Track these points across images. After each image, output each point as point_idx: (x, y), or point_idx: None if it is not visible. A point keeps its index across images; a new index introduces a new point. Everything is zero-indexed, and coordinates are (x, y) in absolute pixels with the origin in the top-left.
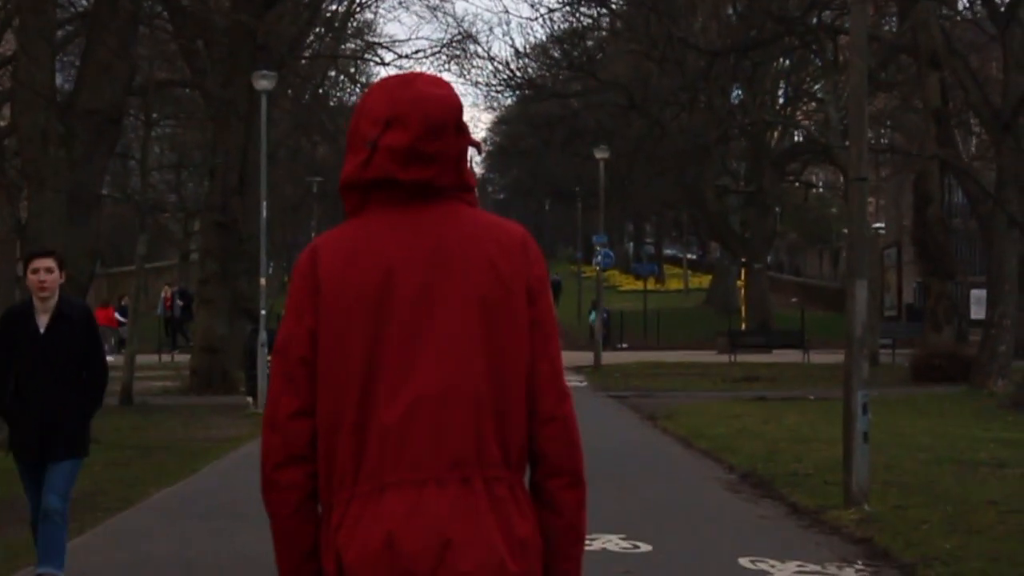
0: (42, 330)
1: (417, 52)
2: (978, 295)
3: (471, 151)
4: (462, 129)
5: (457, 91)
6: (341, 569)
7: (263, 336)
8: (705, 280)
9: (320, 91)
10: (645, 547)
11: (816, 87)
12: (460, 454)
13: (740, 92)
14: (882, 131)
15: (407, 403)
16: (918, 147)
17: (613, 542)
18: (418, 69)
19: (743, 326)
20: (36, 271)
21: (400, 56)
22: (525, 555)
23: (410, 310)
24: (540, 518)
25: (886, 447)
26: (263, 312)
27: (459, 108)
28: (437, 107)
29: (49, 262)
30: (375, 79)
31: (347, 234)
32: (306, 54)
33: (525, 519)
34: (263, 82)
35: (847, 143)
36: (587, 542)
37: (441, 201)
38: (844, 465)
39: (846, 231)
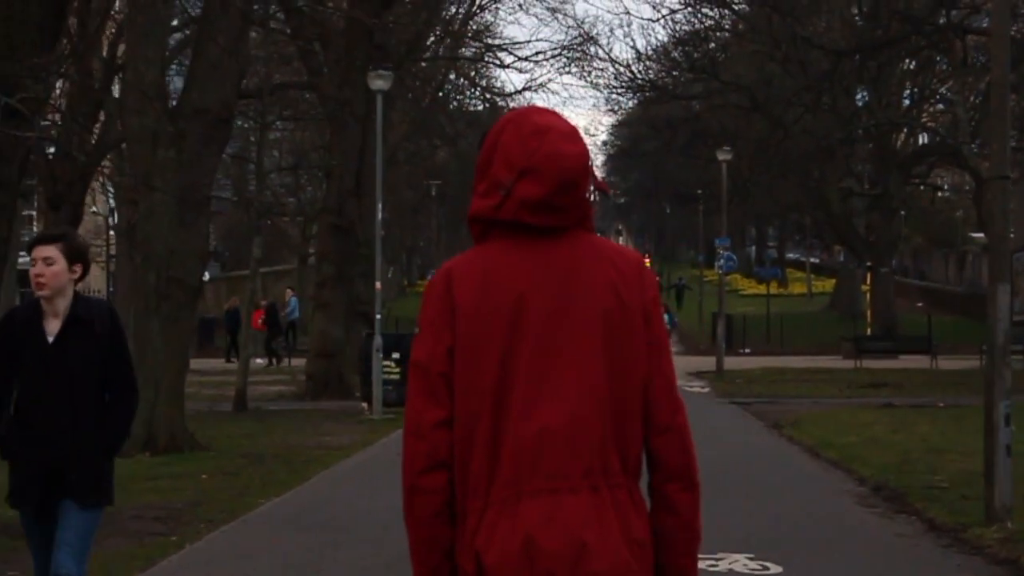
0: (51, 339)
1: (537, 55)
2: None
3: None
4: (589, 175)
5: (583, 138)
6: (482, 570)
7: (378, 340)
8: (828, 284)
9: (439, 94)
10: (775, 568)
11: (943, 88)
12: (590, 465)
13: (865, 93)
14: (1012, 133)
15: (542, 419)
16: None
17: (740, 562)
18: (538, 72)
19: (868, 331)
20: (34, 262)
21: (520, 59)
22: (643, 555)
23: (541, 331)
24: (658, 519)
25: (1022, 458)
26: (378, 316)
27: (587, 161)
28: (570, 165)
29: (50, 250)
30: (495, 83)
31: (479, 259)
32: (425, 56)
33: (642, 522)
34: (379, 82)
35: (975, 143)
36: (713, 562)
37: (567, 232)
38: (985, 479)
39: (972, 235)
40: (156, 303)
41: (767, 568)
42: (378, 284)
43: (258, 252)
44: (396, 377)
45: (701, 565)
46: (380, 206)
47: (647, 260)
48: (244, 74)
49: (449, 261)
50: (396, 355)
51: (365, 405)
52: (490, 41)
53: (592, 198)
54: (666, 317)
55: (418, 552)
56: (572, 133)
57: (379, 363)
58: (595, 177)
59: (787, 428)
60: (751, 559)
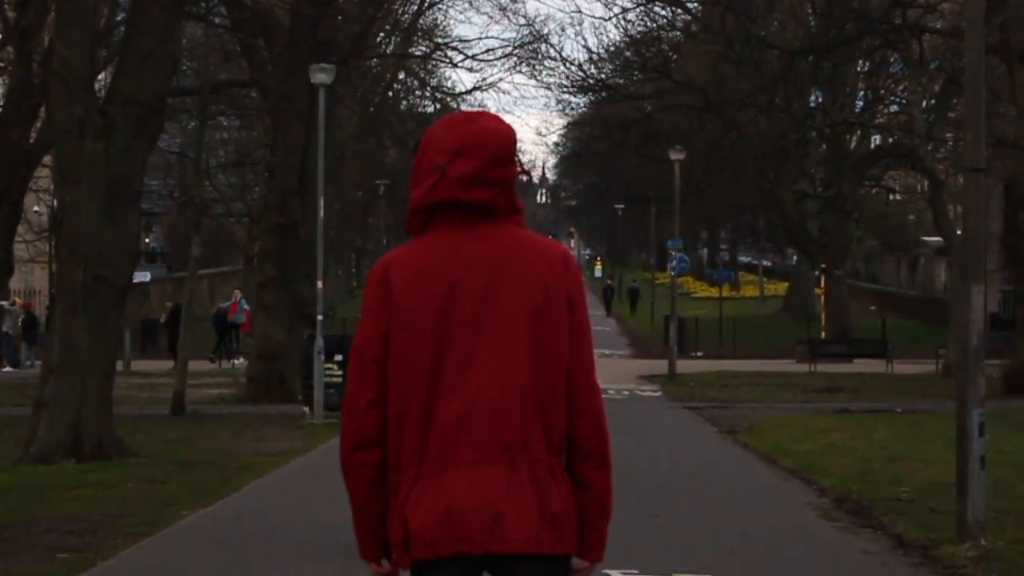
0: None
1: (487, 52)
2: None
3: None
4: (516, 159)
5: (512, 125)
6: (408, 535)
7: (320, 343)
8: (781, 287)
9: (389, 93)
10: None
11: (900, 88)
12: (510, 440)
13: (819, 95)
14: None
15: (467, 397)
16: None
17: None
18: (489, 71)
19: (822, 334)
20: None
21: (469, 57)
22: (556, 527)
23: (472, 315)
24: (576, 495)
25: (991, 468)
26: (320, 317)
27: (515, 141)
28: (500, 140)
29: None
30: (445, 82)
31: (416, 250)
32: (373, 53)
33: (561, 496)
34: (321, 75)
35: (931, 144)
36: None
37: (496, 222)
38: (957, 493)
39: (925, 238)
40: (83, 302)
41: None
42: (320, 284)
43: (197, 251)
44: (339, 380)
45: None
46: (322, 203)
47: (599, 262)
48: (177, 64)
49: (389, 252)
50: (339, 357)
51: (306, 409)
52: (440, 39)
53: (521, 178)
54: None
55: (356, 521)
56: (498, 117)
57: (320, 365)
58: (520, 161)
59: (742, 434)
60: None
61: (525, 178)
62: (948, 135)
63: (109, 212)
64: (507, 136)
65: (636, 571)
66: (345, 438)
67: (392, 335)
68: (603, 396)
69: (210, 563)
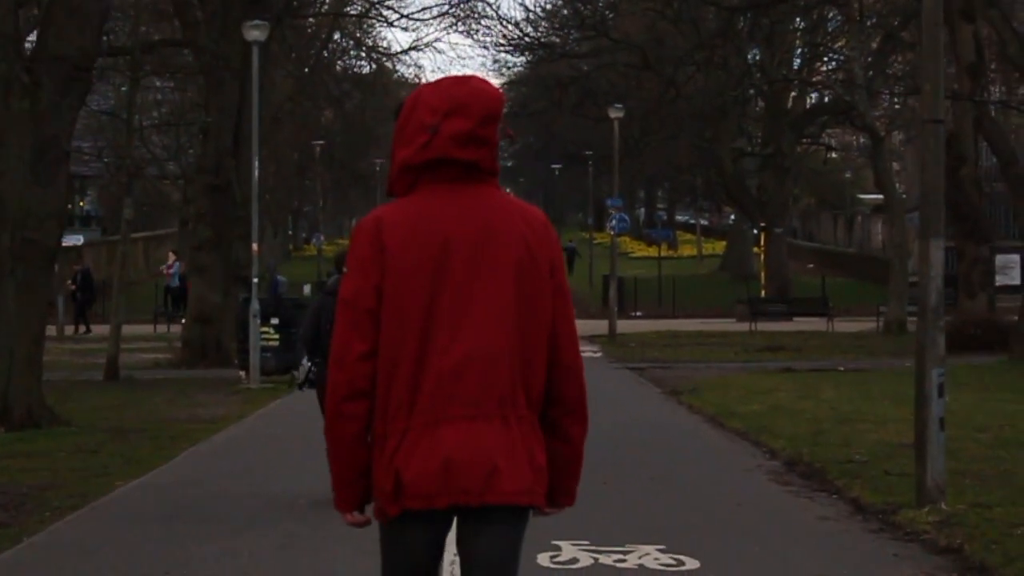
0: None
1: (423, 11)
2: (1004, 260)
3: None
4: (501, 123)
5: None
6: (400, 486)
7: (255, 306)
8: (718, 246)
9: (324, 54)
10: (691, 563)
11: (838, 45)
12: (502, 395)
13: (757, 52)
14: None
15: (461, 352)
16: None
17: (651, 556)
18: (425, 30)
19: (762, 293)
20: None
21: (404, 16)
22: (542, 479)
23: (463, 273)
24: (552, 447)
25: None
26: (255, 280)
27: (504, 102)
28: (493, 99)
29: None
30: (381, 42)
31: (408, 208)
32: (307, 12)
33: (541, 450)
34: (255, 32)
35: (870, 101)
36: (621, 556)
37: (481, 184)
38: (916, 456)
39: (861, 196)
40: (10, 266)
41: (682, 562)
42: (255, 246)
43: (129, 213)
44: (275, 344)
45: (607, 560)
46: (257, 163)
47: None
48: (106, 20)
49: (377, 209)
50: (275, 320)
51: (243, 374)
52: None
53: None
54: None
55: (336, 472)
56: (487, 80)
57: (256, 329)
58: (504, 123)
59: (686, 395)
60: (663, 551)
61: (510, 140)
62: (885, 92)
63: (37, 173)
64: (497, 97)
65: (587, 542)
66: (334, 388)
67: (385, 291)
68: None
69: (142, 537)
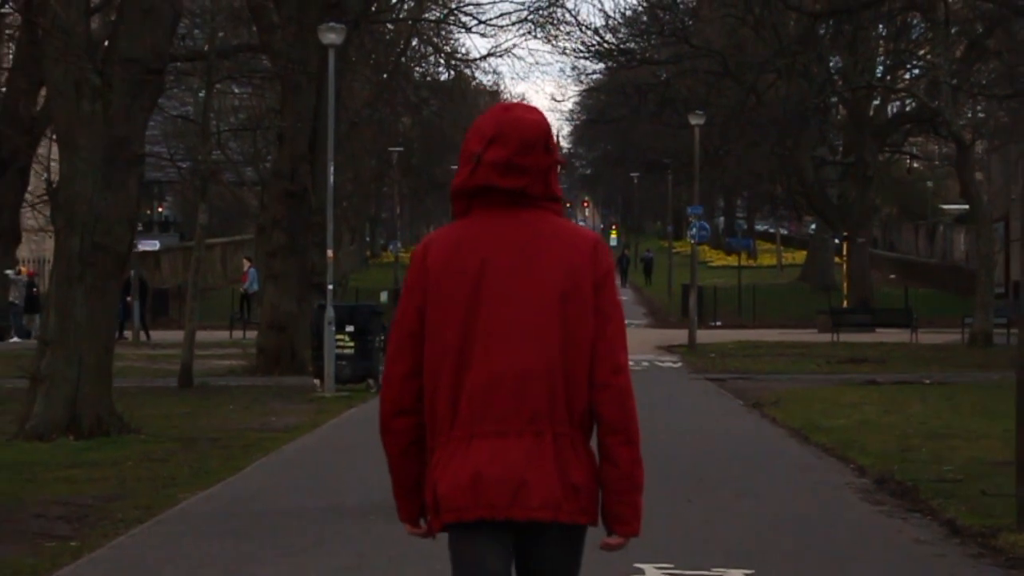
0: None
1: (501, 16)
2: None
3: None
4: (550, 149)
5: (545, 114)
6: (436, 499)
7: (330, 313)
8: (798, 256)
9: (402, 60)
10: None
11: (921, 52)
12: (535, 412)
13: (838, 59)
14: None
15: (493, 370)
16: None
17: None
18: (503, 36)
19: (843, 303)
20: None
21: (482, 22)
22: (577, 497)
23: (499, 295)
24: (602, 469)
25: None
26: (330, 286)
27: (548, 131)
28: (529, 128)
29: None
30: (460, 49)
31: (453, 231)
32: (385, 16)
33: (581, 468)
34: (331, 35)
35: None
36: None
37: (531, 208)
38: (1017, 475)
39: (943, 206)
40: (80, 272)
41: None
42: (330, 252)
43: (204, 219)
44: (350, 351)
45: None
46: (331, 168)
47: (614, 231)
48: (178, 20)
49: (430, 233)
50: (350, 328)
51: (317, 382)
52: (453, 4)
53: (557, 170)
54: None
55: (394, 483)
56: (532, 108)
57: (331, 336)
58: (557, 153)
59: (768, 407)
60: None
61: (561, 167)
62: (971, 101)
63: (108, 176)
64: (536, 125)
65: (671, 565)
66: (383, 404)
67: (427, 311)
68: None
69: (206, 555)
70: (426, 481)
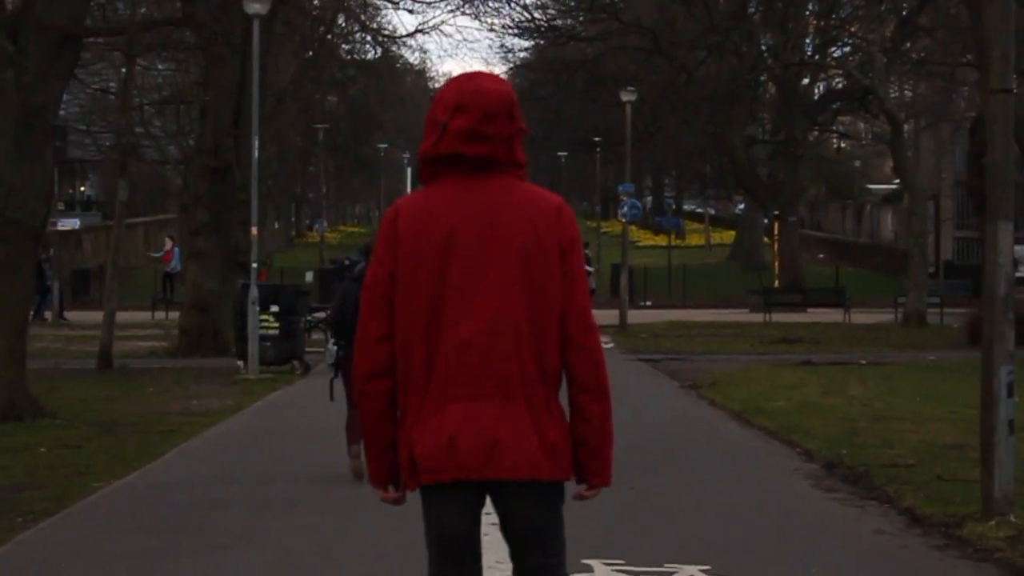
0: None
1: None
2: (1020, 252)
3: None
4: (514, 117)
5: (510, 86)
6: (413, 459)
7: (254, 292)
8: (726, 236)
9: (328, 37)
10: None
11: (850, 31)
12: (504, 374)
13: (768, 37)
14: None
15: (463, 334)
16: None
17: None
18: (430, 14)
19: (775, 283)
20: None
21: None
22: (555, 455)
23: (468, 257)
24: (575, 426)
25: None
26: (255, 265)
27: (511, 100)
28: (493, 98)
29: None
30: (387, 26)
31: (421, 198)
32: None
33: (556, 426)
34: (255, 5)
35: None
36: None
37: (496, 174)
38: (983, 463)
39: (869, 186)
40: None
41: None
42: (254, 230)
43: (124, 195)
44: (275, 332)
45: None
46: (256, 142)
47: None
48: None
49: (399, 199)
50: (275, 308)
51: (240, 363)
52: None
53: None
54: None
55: (368, 445)
56: (496, 78)
57: (255, 316)
58: (521, 120)
59: (705, 389)
60: (707, 573)
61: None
62: (900, 77)
63: (21, 147)
64: (499, 93)
65: (622, 561)
66: (358, 368)
67: (398, 275)
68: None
69: (118, 551)
70: (400, 442)
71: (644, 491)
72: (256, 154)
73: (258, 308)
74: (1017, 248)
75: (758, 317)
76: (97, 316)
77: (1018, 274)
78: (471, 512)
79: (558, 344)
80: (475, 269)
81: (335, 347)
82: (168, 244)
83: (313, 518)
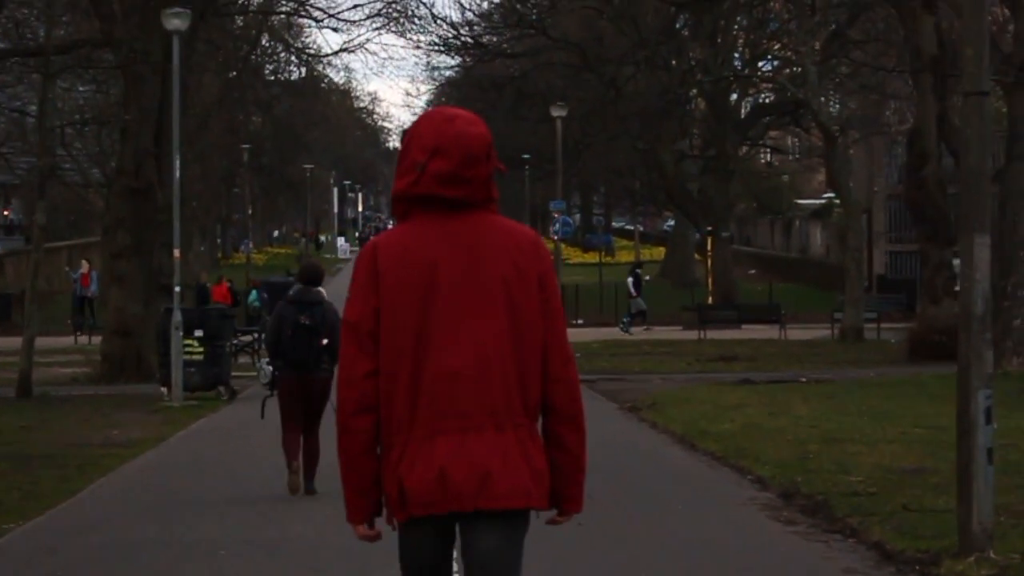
0: None
1: (353, 8)
2: (958, 265)
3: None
4: (490, 157)
5: (486, 125)
6: (403, 493)
7: (177, 317)
8: (655, 252)
9: (252, 57)
10: None
11: (777, 47)
12: (493, 406)
13: (697, 52)
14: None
15: (452, 366)
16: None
17: None
18: (355, 32)
19: (708, 300)
20: None
21: (332, 15)
22: (542, 482)
23: (451, 293)
24: (551, 455)
25: (938, 448)
26: (177, 289)
27: (488, 142)
28: (474, 143)
29: None
30: (310, 43)
31: (400, 235)
32: (234, 11)
33: (540, 455)
34: (175, 21)
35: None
36: None
37: (472, 211)
38: (959, 494)
39: (798, 201)
40: None
41: None
42: (177, 252)
43: (42, 219)
44: (200, 358)
45: None
46: (178, 161)
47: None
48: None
49: (376, 236)
50: (199, 332)
51: (164, 390)
52: None
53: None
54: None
55: (347, 482)
56: (475, 120)
57: (179, 342)
58: (496, 159)
59: (646, 411)
60: None
61: (500, 170)
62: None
63: None
64: (480, 138)
65: None
66: (343, 404)
67: (382, 312)
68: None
69: None
70: (386, 477)
71: (591, 525)
72: (178, 174)
73: (182, 333)
74: (957, 263)
75: (692, 334)
76: (18, 342)
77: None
78: (447, 543)
79: (540, 375)
80: (459, 303)
81: (270, 367)
82: (85, 267)
83: (238, 563)
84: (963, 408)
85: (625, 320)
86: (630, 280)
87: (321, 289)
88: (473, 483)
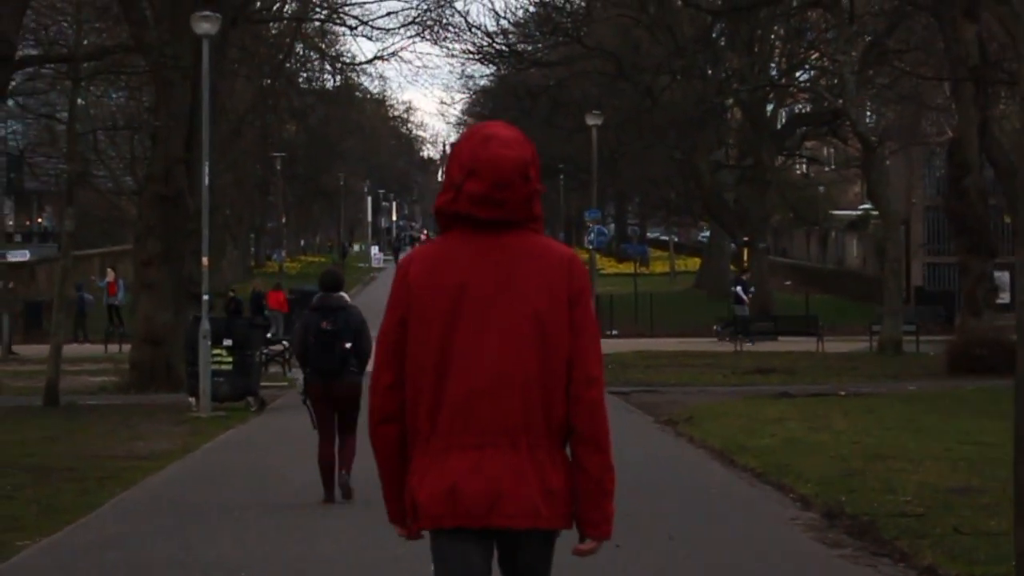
0: None
1: (387, 16)
2: (1000, 277)
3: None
4: (529, 179)
5: (526, 146)
6: (416, 506)
7: (206, 326)
8: (690, 263)
9: (286, 65)
10: None
11: (814, 57)
12: (511, 425)
13: (734, 61)
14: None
15: (472, 384)
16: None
17: None
18: (389, 41)
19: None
20: None
21: (365, 23)
22: (554, 502)
23: (477, 311)
24: (574, 477)
25: (993, 465)
26: (206, 297)
27: (525, 164)
28: (506, 167)
29: None
30: (345, 54)
31: (434, 248)
32: (267, 17)
33: (558, 475)
34: (205, 25)
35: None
36: None
37: (510, 230)
38: (1016, 520)
39: (834, 212)
40: None
41: None
42: (205, 259)
43: (70, 226)
44: (228, 367)
45: None
46: (207, 168)
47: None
48: (27, 3)
49: (413, 250)
50: (228, 341)
51: (192, 400)
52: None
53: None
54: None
55: (384, 481)
56: (511, 141)
57: (207, 351)
58: (537, 179)
59: (682, 425)
60: None
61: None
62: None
63: None
64: (511, 162)
65: None
66: (371, 412)
67: (409, 325)
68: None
69: None
70: (407, 486)
71: (628, 548)
72: (207, 181)
73: (210, 342)
74: (999, 275)
75: (728, 346)
76: (47, 350)
77: (1000, 300)
78: (482, 556)
79: (565, 396)
80: (485, 322)
81: (303, 377)
82: (111, 275)
83: None
84: (1021, 428)
85: (723, 327)
86: (739, 288)
87: (343, 294)
88: (485, 500)
